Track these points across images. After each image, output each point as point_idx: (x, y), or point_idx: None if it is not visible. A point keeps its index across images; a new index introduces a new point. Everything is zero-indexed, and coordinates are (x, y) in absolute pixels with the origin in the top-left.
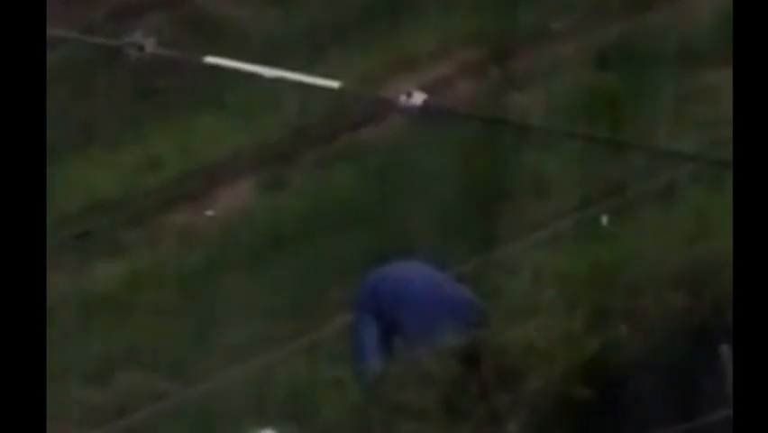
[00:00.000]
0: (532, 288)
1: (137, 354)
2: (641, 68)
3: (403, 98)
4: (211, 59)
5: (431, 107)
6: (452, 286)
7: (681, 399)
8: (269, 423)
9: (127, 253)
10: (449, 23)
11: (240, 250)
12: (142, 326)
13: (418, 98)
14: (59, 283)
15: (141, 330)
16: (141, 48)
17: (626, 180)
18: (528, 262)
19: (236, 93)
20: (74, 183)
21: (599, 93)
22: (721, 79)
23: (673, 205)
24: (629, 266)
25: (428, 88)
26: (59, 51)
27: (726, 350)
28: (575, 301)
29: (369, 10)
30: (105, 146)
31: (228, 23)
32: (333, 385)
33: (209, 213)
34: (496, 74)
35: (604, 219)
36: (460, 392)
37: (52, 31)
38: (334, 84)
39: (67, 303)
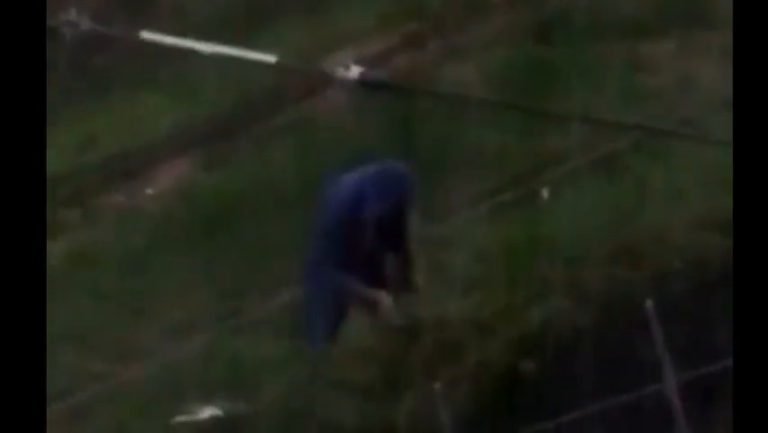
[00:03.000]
0: (473, 261)
1: (77, 334)
2: (580, 40)
3: (340, 71)
4: (147, 35)
5: (368, 80)
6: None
7: (622, 370)
8: (211, 401)
9: (66, 231)
10: None
11: (180, 228)
12: (82, 305)
13: (355, 71)
14: None
15: (81, 309)
16: (75, 25)
17: (567, 152)
18: (469, 236)
19: (174, 69)
20: None
21: (539, 65)
22: (661, 50)
23: (614, 176)
24: (570, 238)
25: (368, 62)
26: None
27: (650, 305)
28: (517, 274)
29: None
30: None
31: None
32: (275, 362)
33: (149, 191)
34: (435, 47)
35: (545, 192)
36: (401, 367)
37: None
38: (271, 59)
39: None
